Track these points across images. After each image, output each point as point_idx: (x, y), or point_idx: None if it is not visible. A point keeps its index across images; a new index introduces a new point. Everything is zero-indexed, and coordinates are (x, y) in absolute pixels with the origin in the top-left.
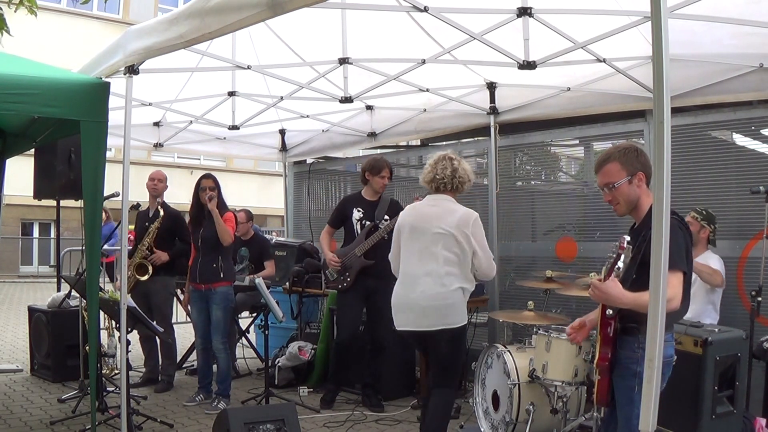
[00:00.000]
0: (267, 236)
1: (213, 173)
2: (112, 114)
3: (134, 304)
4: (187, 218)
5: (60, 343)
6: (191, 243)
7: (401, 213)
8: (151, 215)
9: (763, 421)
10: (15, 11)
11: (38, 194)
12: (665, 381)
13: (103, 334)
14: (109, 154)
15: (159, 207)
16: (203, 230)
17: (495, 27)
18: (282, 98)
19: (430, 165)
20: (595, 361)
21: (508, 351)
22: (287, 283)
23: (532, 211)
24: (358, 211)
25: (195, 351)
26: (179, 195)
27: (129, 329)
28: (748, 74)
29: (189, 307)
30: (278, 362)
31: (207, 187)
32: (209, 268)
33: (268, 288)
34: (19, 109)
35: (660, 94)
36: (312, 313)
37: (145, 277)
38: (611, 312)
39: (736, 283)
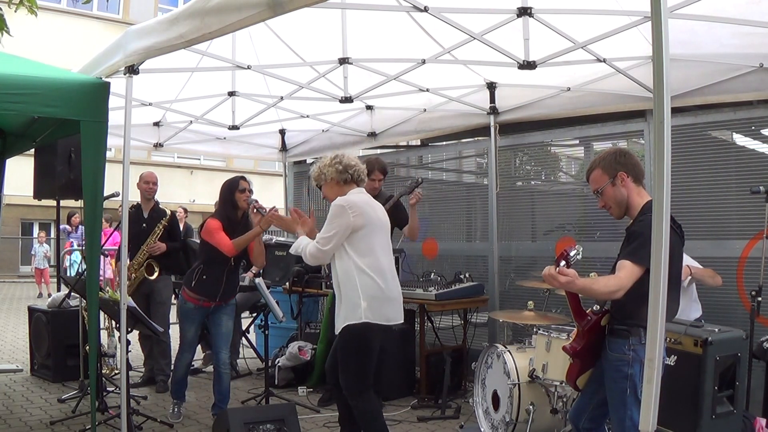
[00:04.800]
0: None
1: (213, 173)
2: (112, 114)
3: (134, 304)
4: (179, 215)
5: (60, 343)
6: (182, 242)
7: (360, 202)
8: (146, 216)
9: (763, 421)
10: (15, 11)
11: (38, 194)
12: None
13: (103, 334)
14: (109, 154)
15: (161, 207)
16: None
17: (495, 27)
18: (282, 98)
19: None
20: (566, 346)
21: (508, 351)
22: (287, 283)
23: (532, 211)
24: None
25: (180, 361)
26: (180, 195)
27: (129, 329)
28: (748, 74)
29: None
30: (278, 362)
31: (246, 188)
32: (235, 284)
33: (268, 288)
34: (19, 109)
35: (660, 94)
36: (312, 313)
37: (154, 276)
38: (598, 308)
39: (736, 283)
